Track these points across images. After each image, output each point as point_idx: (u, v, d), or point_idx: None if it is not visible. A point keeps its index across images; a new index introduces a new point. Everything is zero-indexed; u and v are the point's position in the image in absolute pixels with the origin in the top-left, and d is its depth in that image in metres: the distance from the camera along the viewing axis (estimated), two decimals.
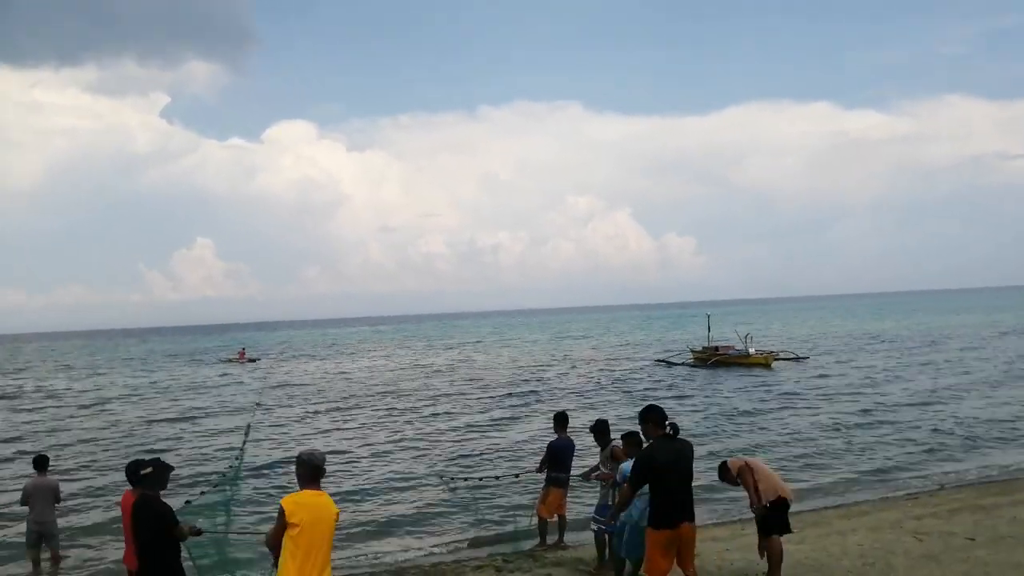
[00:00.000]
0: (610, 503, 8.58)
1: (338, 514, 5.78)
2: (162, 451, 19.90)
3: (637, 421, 7.03)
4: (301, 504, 5.58)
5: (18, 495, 10.60)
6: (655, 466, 6.60)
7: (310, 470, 5.72)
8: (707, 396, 29.46)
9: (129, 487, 7.56)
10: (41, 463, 10.45)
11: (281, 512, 5.56)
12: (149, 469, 6.61)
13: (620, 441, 8.60)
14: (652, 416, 6.83)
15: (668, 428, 6.72)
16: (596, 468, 9.58)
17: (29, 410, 33.07)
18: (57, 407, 34.24)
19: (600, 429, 9.36)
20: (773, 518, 8.05)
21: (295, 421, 26.59)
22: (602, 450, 9.22)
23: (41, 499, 10.17)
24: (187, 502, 8.32)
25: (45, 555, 10.68)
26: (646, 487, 6.89)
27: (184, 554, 6.82)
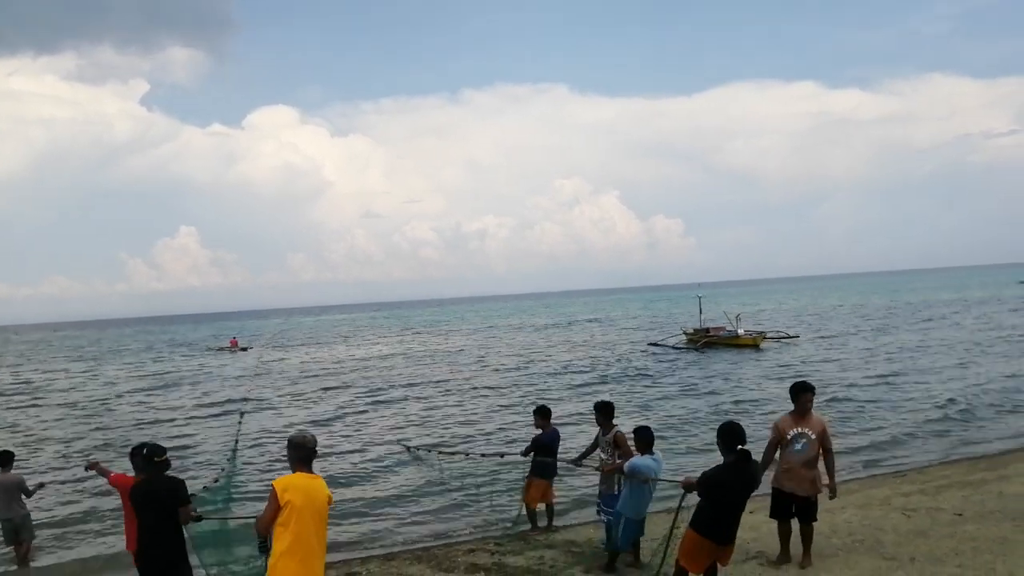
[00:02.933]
0: (616, 492, 8.60)
1: (331, 498, 5.77)
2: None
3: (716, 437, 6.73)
4: (292, 486, 5.58)
5: None
6: (714, 488, 6.53)
7: (302, 452, 5.75)
8: (692, 378, 29.58)
9: (131, 472, 7.56)
10: (4, 459, 10.37)
11: (272, 493, 5.57)
12: (165, 457, 6.68)
13: (632, 434, 8.42)
14: (723, 436, 6.60)
15: (739, 454, 6.47)
16: (590, 452, 9.57)
17: (29, 405, 32.82)
18: (44, 402, 34.10)
19: (606, 410, 9.11)
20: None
21: (288, 408, 26.56)
22: (603, 433, 9.05)
23: (4, 495, 10.12)
24: (204, 488, 8.31)
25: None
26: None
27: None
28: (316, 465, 5.92)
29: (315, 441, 5.86)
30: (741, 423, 6.81)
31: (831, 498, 8.16)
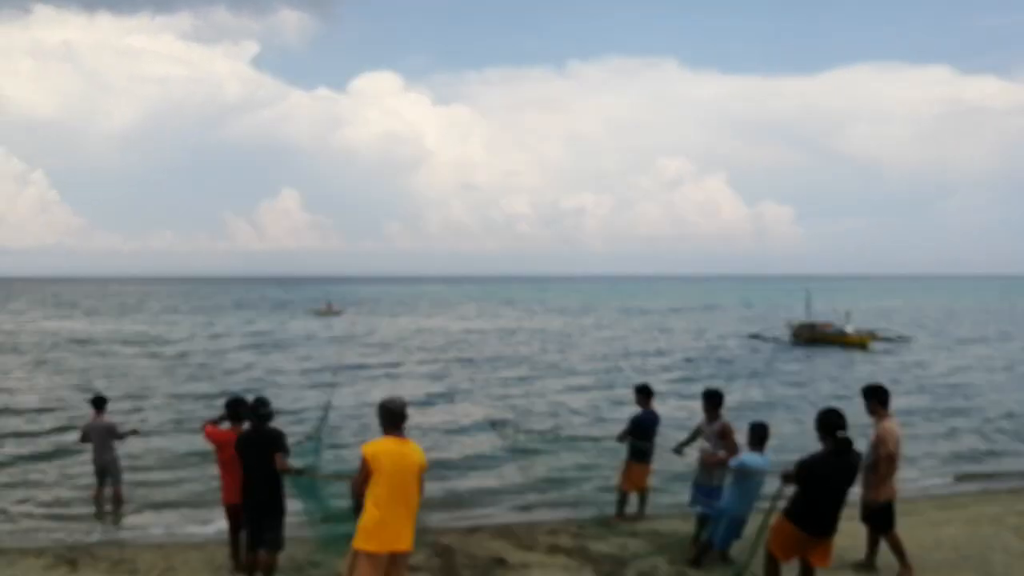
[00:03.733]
0: (715, 484, 8.36)
1: (424, 464, 5.83)
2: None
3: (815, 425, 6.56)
4: (381, 450, 5.67)
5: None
6: (810, 476, 6.33)
7: (391, 417, 5.80)
8: (794, 378, 28.66)
9: (227, 425, 7.78)
10: (98, 403, 10.89)
11: (362, 459, 5.69)
12: (269, 409, 7.09)
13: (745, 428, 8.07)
14: (822, 423, 6.41)
15: (839, 441, 6.25)
16: (692, 440, 9.28)
17: (141, 356, 34.62)
18: (154, 353, 35.89)
19: (714, 399, 8.81)
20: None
21: (379, 376, 27.10)
22: (707, 422, 8.79)
23: (96, 438, 10.67)
24: (297, 443, 8.50)
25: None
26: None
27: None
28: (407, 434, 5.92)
29: (404, 405, 5.89)
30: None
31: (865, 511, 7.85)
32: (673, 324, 57.48)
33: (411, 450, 5.76)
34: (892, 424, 7.75)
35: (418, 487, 5.79)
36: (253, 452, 6.86)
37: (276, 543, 7.02)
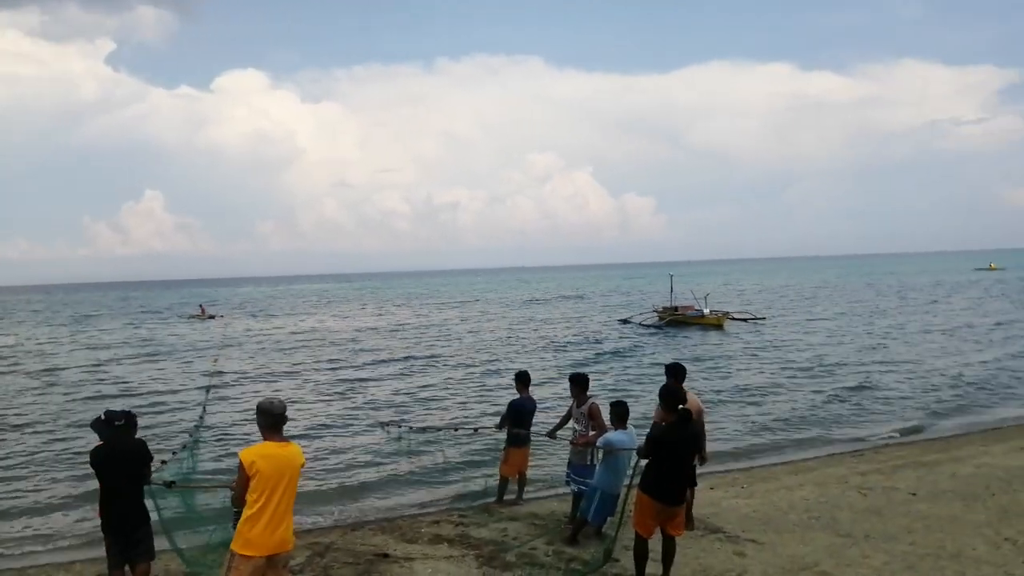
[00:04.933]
0: (588, 463, 8.71)
1: (303, 464, 5.82)
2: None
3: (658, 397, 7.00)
4: (260, 455, 5.60)
5: None
6: (658, 448, 6.73)
7: (270, 419, 5.74)
8: (656, 357, 29.85)
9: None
10: None
11: (240, 465, 5.60)
12: (122, 421, 6.66)
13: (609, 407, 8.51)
14: (665, 398, 6.86)
15: (680, 413, 6.69)
16: (564, 423, 9.60)
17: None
18: (11, 371, 33.58)
19: (580, 382, 9.19)
20: None
21: (255, 382, 26.34)
22: (577, 405, 9.13)
23: None
24: (163, 462, 8.24)
25: None
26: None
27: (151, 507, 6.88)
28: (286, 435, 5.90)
29: (284, 407, 5.83)
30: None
31: None
32: (547, 313, 58.59)
33: (292, 452, 5.72)
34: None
35: (295, 488, 5.77)
36: (112, 465, 6.58)
37: (149, 552, 6.86)
